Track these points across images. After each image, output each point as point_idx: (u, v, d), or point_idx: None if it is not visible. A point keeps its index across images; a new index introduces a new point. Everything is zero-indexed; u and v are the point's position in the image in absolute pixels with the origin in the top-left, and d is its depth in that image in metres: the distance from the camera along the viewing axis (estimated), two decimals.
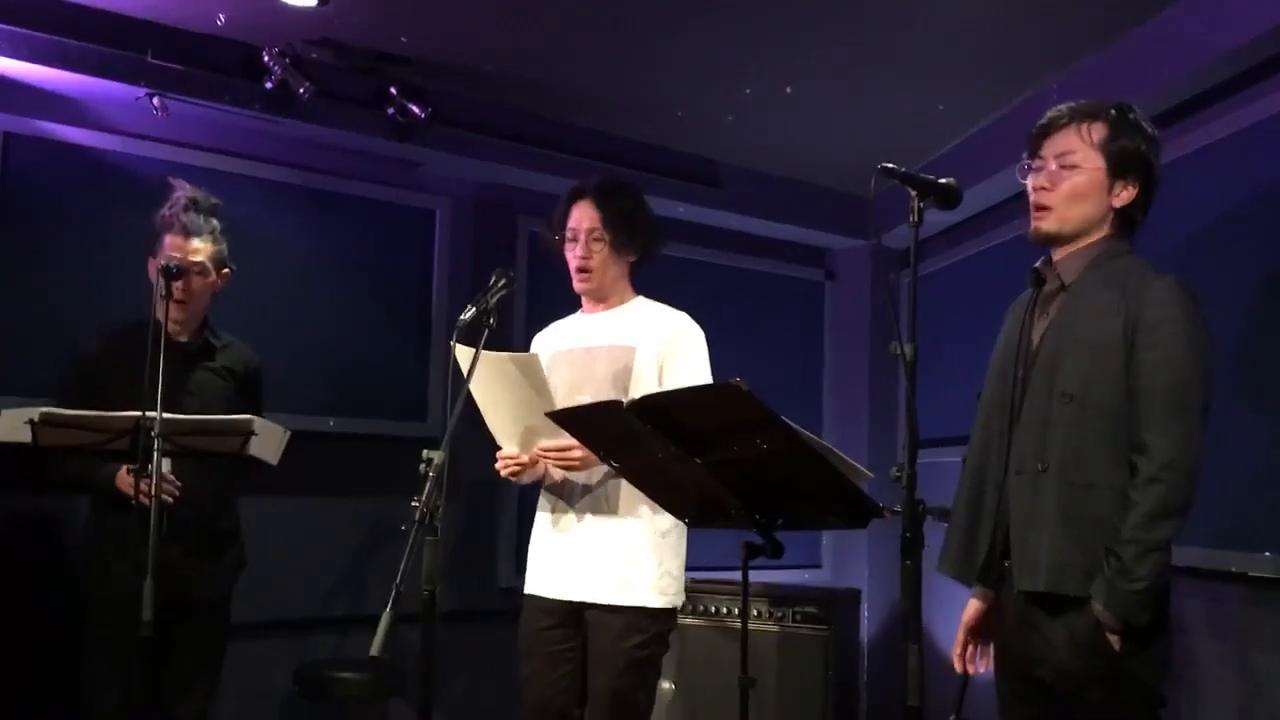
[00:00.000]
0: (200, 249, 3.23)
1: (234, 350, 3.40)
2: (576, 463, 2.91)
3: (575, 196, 3.14)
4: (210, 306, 3.36)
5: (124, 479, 3.04)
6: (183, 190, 3.27)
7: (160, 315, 3.03)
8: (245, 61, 3.82)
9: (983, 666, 2.60)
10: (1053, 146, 2.43)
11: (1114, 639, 2.22)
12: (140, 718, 2.97)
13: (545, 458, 2.96)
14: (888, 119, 4.36)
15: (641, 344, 3.04)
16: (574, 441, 2.81)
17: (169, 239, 3.21)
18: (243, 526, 3.41)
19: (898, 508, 2.20)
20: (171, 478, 2.96)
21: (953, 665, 2.62)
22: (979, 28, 3.59)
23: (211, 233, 3.27)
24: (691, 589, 3.09)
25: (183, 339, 3.24)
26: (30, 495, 3.46)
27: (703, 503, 2.54)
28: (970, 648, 2.61)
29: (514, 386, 2.86)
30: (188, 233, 3.21)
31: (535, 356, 2.90)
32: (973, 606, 2.60)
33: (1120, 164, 2.39)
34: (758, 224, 5.22)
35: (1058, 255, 2.48)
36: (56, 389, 3.19)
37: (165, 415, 2.82)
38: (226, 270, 3.34)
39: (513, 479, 3.07)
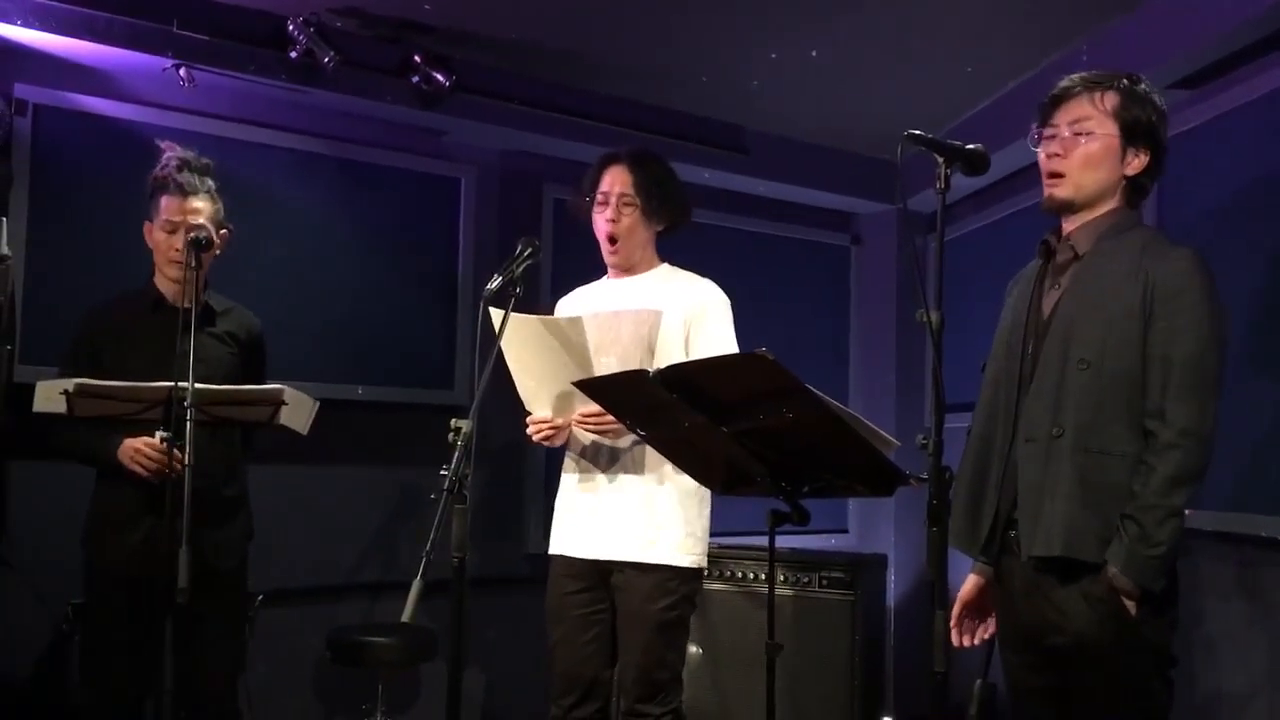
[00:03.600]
0: (200, 208, 3.15)
1: (235, 315, 3.34)
2: (614, 428, 2.93)
3: (608, 162, 3.18)
4: (213, 269, 3.28)
5: (126, 450, 3.00)
6: (172, 151, 3.20)
7: (182, 284, 3.01)
8: (270, 31, 3.82)
9: (977, 639, 2.62)
10: (1066, 114, 2.44)
11: (1130, 604, 2.24)
12: (157, 693, 2.99)
13: (584, 424, 2.97)
14: (914, 83, 4.33)
15: (668, 309, 3.05)
16: None
17: (165, 200, 3.14)
18: (250, 495, 3.37)
19: (924, 475, 2.21)
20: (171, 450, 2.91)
21: (961, 640, 2.64)
22: None
23: (208, 191, 3.19)
24: (717, 554, 3.12)
25: (185, 304, 3.16)
26: (44, 465, 3.45)
27: (730, 471, 2.55)
28: (967, 621, 2.63)
29: (552, 350, 2.88)
30: (184, 192, 3.13)
31: (579, 320, 2.90)
32: (971, 581, 2.62)
33: (1133, 132, 2.41)
34: (784, 189, 5.20)
35: (1069, 226, 2.49)
36: (60, 362, 3.16)
37: (198, 385, 2.83)
38: (225, 231, 3.25)
39: (545, 444, 3.09)
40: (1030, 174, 4.40)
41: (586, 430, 3.01)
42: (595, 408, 2.87)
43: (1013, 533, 2.41)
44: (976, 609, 2.62)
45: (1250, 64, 3.36)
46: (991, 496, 2.46)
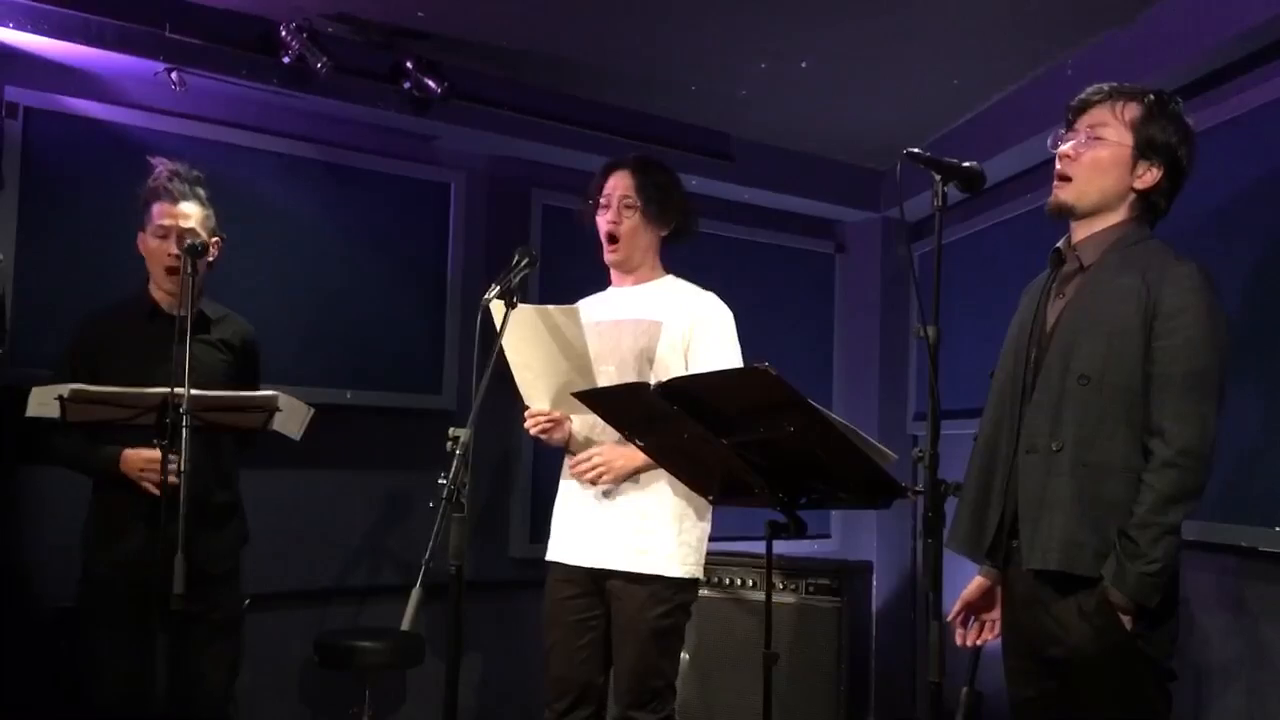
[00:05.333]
0: (191, 214, 3.19)
1: (229, 323, 3.36)
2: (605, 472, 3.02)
3: (612, 167, 3.22)
4: (206, 277, 3.28)
5: (130, 461, 3.02)
6: (163, 165, 3.25)
7: (179, 293, 3.05)
8: (263, 36, 3.82)
9: (975, 639, 2.67)
10: (1086, 120, 2.48)
11: (1126, 619, 2.27)
12: (152, 698, 2.98)
13: (580, 473, 3.06)
14: (901, 94, 4.37)
15: (669, 320, 3.09)
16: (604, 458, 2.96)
17: (157, 207, 3.17)
18: (242, 500, 3.37)
19: (919, 487, 2.24)
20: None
21: (962, 647, 2.69)
22: (995, 2, 3.59)
23: (199, 199, 3.23)
24: (707, 561, 3.13)
25: (181, 311, 3.17)
26: (35, 468, 3.45)
27: (727, 481, 2.58)
28: (969, 620, 2.68)
29: (549, 342, 2.90)
30: (175, 198, 3.17)
31: (575, 310, 2.92)
32: (975, 582, 2.66)
33: (1147, 146, 2.42)
34: (769, 197, 5.24)
35: (1077, 236, 2.51)
36: (56, 369, 3.15)
37: (193, 391, 2.83)
38: (217, 240, 3.27)
39: (542, 437, 3.11)
40: (1012, 186, 4.50)
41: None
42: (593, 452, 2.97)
43: (1015, 542, 2.44)
44: (978, 609, 2.66)
45: (1235, 80, 3.41)
46: (996, 503, 2.49)
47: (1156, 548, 2.23)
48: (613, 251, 3.18)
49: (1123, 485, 2.30)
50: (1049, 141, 2.55)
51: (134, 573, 3.00)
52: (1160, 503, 2.24)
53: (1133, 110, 2.44)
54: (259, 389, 3.24)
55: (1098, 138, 2.44)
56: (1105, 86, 2.50)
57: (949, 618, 2.65)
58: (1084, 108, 2.50)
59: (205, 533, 3.09)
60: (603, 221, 3.17)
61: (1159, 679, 2.35)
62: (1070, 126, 2.51)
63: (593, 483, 3.05)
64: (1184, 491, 2.26)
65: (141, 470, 3.02)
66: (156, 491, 2.94)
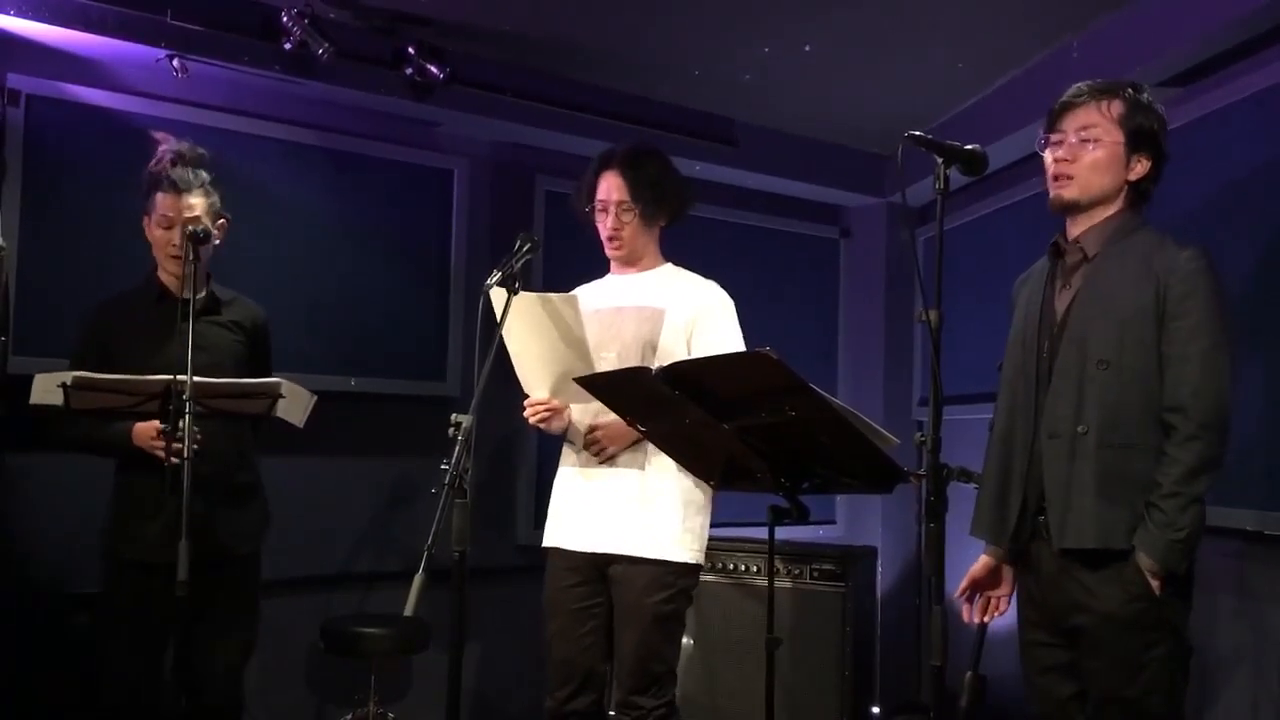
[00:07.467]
0: (194, 204, 3.15)
1: (240, 305, 3.36)
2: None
3: (602, 166, 3.17)
4: (212, 260, 3.28)
5: (141, 433, 3.02)
6: (167, 144, 3.21)
7: (184, 279, 3.04)
8: (264, 22, 3.82)
9: (981, 617, 2.75)
10: (1073, 122, 2.56)
11: (1155, 584, 2.35)
12: (167, 681, 2.99)
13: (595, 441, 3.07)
14: (905, 78, 4.36)
15: (671, 308, 3.08)
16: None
17: (160, 197, 3.15)
18: (263, 482, 3.39)
19: (922, 471, 2.26)
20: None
21: (970, 624, 2.77)
22: None
23: (202, 186, 3.20)
24: (710, 546, 3.13)
25: (186, 295, 3.16)
26: (54, 456, 3.44)
27: (729, 466, 2.58)
28: (975, 597, 2.75)
29: (549, 330, 2.90)
30: (178, 189, 3.14)
31: (574, 297, 2.92)
32: (982, 561, 2.73)
33: (1137, 139, 2.52)
34: (774, 182, 5.23)
35: (1076, 229, 2.59)
36: (73, 359, 3.13)
37: (196, 379, 2.83)
38: (223, 221, 3.24)
39: (541, 425, 3.11)
40: (1016, 171, 4.48)
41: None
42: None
43: (1041, 518, 2.51)
44: (984, 587, 2.74)
45: (1239, 62, 3.40)
46: (1017, 489, 2.57)
47: (1184, 516, 2.33)
48: (616, 250, 3.17)
49: (1147, 462, 2.40)
50: (1036, 145, 2.63)
51: (158, 553, 3.00)
52: (1186, 474, 2.34)
53: (1118, 107, 2.53)
54: (271, 372, 3.24)
55: (1092, 139, 2.52)
56: (1084, 87, 2.58)
57: (955, 594, 2.70)
58: (1066, 110, 2.58)
59: (229, 512, 3.16)
60: (602, 227, 3.16)
61: (1183, 651, 2.43)
62: (1054, 128, 2.59)
63: (597, 454, 3.06)
64: (1207, 462, 2.36)
65: (153, 439, 3.00)
66: (169, 459, 2.93)
